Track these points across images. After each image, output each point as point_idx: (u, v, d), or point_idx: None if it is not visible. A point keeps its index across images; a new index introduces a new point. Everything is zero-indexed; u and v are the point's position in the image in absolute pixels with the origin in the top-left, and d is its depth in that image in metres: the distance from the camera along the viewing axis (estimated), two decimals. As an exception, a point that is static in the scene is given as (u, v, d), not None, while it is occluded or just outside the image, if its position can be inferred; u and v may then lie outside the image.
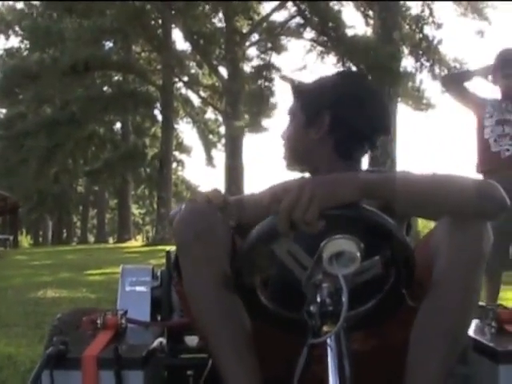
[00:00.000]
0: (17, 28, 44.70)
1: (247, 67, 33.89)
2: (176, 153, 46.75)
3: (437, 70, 29.54)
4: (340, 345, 1.66)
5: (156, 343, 2.10)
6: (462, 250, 1.79)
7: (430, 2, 28.53)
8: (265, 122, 33.68)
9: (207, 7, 32.45)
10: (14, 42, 65.82)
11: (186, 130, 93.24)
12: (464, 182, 1.83)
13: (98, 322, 2.20)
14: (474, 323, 2.30)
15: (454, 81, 5.56)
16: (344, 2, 29.76)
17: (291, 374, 1.74)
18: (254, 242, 1.76)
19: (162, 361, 2.04)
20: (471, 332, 2.18)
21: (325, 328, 1.67)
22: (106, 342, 2.06)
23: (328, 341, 1.67)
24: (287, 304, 1.90)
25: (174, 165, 45.47)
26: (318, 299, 1.70)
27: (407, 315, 1.89)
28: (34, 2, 40.24)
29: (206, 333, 1.90)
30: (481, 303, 2.41)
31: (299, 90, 2.37)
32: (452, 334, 1.80)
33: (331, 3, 28.90)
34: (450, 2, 29.41)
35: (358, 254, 1.66)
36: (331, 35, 28.03)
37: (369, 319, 1.91)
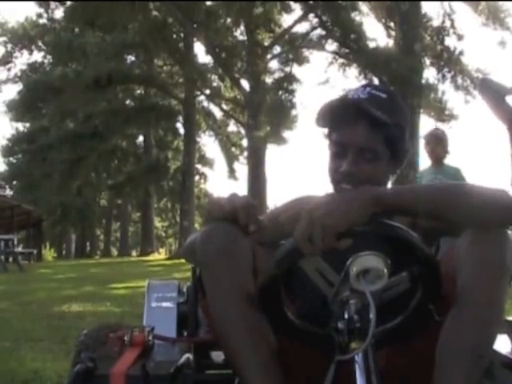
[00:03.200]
0: (40, 43, 45.09)
1: (269, 79, 33.94)
2: (198, 166, 46.84)
3: (459, 81, 29.49)
4: (368, 361, 1.66)
5: (183, 359, 2.10)
6: (485, 263, 1.77)
7: (451, 13, 28.46)
8: (286, 134, 33.73)
9: (229, 20, 32.51)
10: (37, 56, 66.26)
11: (208, 143, 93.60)
12: (474, 190, 1.84)
13: (126, 338, 2.20)
14: (502, 338, 2.27)
15: (491, 90, 5.53)
16: (365, 14, 29.71)
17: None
18: (282, 259, 1.77)
19: (189, 377, 2.03)
20: (498, 347, 2.15)
21: (352, 345, 1.67)
22: (133, 359, 2.05)
23: (356, 357, 1.66)
24: (314, 320, 1.90)
25: (197, 178, 45.54)
26: (346, 316, 1.70)
27: (434, 331, 1.88)
28: (57, 16, 40.53)
29: (230, 350, 1.88)
30: (509, 318, 2.39)
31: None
32: (477, 349, 1.77)
33: (352, 14, 28.86)
34: (472, 13, 29.31)
35: (385, 271, 1.66)
36: (353, 47, 28.02)
37: (396, 335, 1.90)
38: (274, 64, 34.15)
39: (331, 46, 30.64)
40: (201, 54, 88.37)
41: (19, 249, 26.59)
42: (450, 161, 7.16)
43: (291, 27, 32.34)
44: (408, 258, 1.76)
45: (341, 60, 30.73)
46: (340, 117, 2.03)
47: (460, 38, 28.98)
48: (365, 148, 2.03)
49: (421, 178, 7.19)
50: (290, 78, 32.85)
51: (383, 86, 2.19)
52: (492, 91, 5.43)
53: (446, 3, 28.38)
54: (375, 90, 2.10)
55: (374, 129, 2.01)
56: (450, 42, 29.04)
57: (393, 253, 1.72)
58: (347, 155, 2.03)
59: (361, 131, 2.01)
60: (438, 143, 7.01)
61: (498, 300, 1.81)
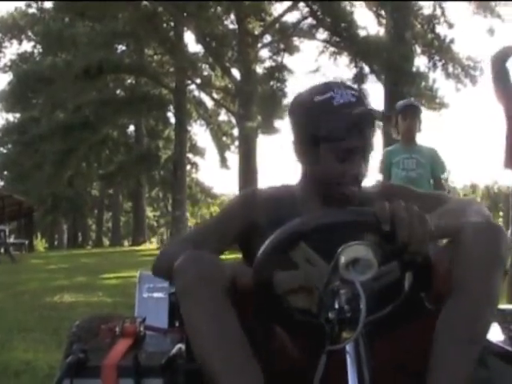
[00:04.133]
0: (29, 33, 44.89)
1: (260, 69, 33.93)
2: (190, 155, 46.69)
3: (450, 69, 29.52)
4: (359, 351, 1.67)
5: (175, 350, 2.10)
6: (480, 255, 1.83)
7: (441, 1, 28.48)
8: (277, 124, 33.71)
9: (219, 9, 32.43)
10: (27, 46, 65.98)
11: (199, 133, 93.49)
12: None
13: (117, 329, 2.20)
14: (494, 327, 2.28)
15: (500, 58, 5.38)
16: (356, 3, 29.70)
17: (310, 380, 1.74)
18: (270, 251, 1.77)
19: (181, 367, 2.03)
20: (491, 336, 2.16)
21: (343, 335, 1.67)
22: (125, 350, 2.06)
23: (347, 347, 1.67)
24: (304, 310, 1.90)
25: (188, 167, 45.42)
26: (337, 306, 1.70)
27: (425, 320, 1.91)
28: (47, 6, 40.37)
29: (208, 366, 1.85)
30: (501, 307, 2.40)
31: None
32: (472, 338, 1.80)
33: (343, 4, 28.85)
34: (462, 1, 29.31)
35: (375, 260, 1.67)
36: (344, 36, 28.06)
37: (388, 324, 1.91)
38: (264, 53, 34.17)
39: (322, 34, 30.71)
40: (191, 43, 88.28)
41: (11, 239, 26.48)
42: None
43: (281, 16, 32.29)
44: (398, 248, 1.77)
45: (332, 48, 30.78)
46: (346, 127, 2.04)
47: (451, 26, 29.06)
48: (369, 149, 2.13)
49: (388, 158, 6.39)
50: (281, 68, 32.84)
51: (347, 83, 2.14)
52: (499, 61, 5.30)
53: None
54: (352, 90, 2.15)
55: (372, 128, 2.11)
56: (441, 30, 29.13)
57: (382, 242, 1.73)
58: (353, 159, 2.08)
59: (367, 134, 2.09)
60: (416, 118, 6.25)
61: (492, 290, 1.85)
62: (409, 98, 6.29)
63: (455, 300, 1.84)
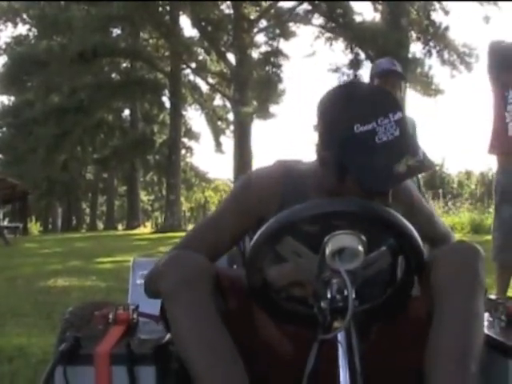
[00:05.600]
0: (24, 16, 44.69)
1: (255, 54, 33.86)
2: (185, 139, 46.59)
3: (445, 56, 29.49)
4: (350, 341, 1.67)
5: (168, 337, 2.11)
6: (460, 279, 1.89)
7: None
8: (273, 109, 33.69)
9: (215, -6, 32.38)
10: (22, 29, 65.70)
11: (194, 117, 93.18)
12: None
13: (110, 316, 2.21)
14: (485, 317, 2.30)
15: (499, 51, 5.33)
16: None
17: (302, 369, 1.76)
18: (258, 246, 1.78)
19: (173, 354, 2.05)
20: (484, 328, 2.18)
21: (335, 324, 1.68)
22: (117, 338, 2.07)
23: (338, 337, 1.68)
24: (299, 300, 1.92)
25: (183, 151, 45.29)
26: (329, 295, 1.71)
27: (416, 311, 1.96)
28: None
29: (193, 371, 1.84)
30: (491, 297, 2.42)
31: None
32: (465, 352, 1.82)
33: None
34: None
35: (361, 248, 1.68)
36: (339, 21, 28.02)
37: (382, 312, 1.93)
38: (260, 38, 34.06)
39: (318, 20, 30.62)
40: (187, 27, 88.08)
41: (5, 223, 26.51)
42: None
43: (277, 1, 32.22)
44: (385, 233, 1.80)
45: (327, 34, 30.71)
46: None
47: (446, 12, 29.00)
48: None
49: None
50: (277, 53, 32.78)
51: (390, 96, 1.94)
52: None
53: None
54: (396, 112, 1.93)
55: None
56: (437, 16, 29.08)
57: (369, 229, 1.75)
58: (382, 199, 1.98)
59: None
60: (397, 87, 5.41)
61: (475, 311, 1.88)
62: (391, 59, 5.53)
63: (440, 318, 1.87)
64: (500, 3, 26.81)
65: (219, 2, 33.10)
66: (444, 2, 28.64)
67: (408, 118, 5.71)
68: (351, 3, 28.61)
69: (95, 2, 31.72)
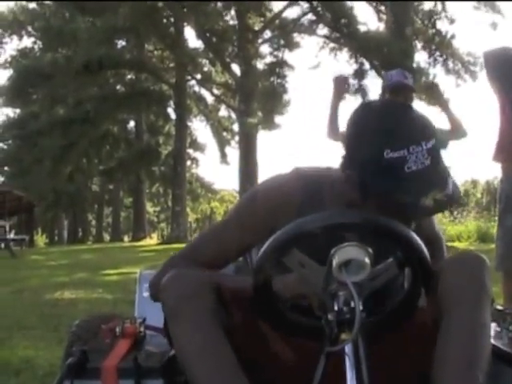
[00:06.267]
0: (30, 28, 44.82)
1: (260, 64, 33.88)
2: (190, 150, 46.64)
3: (450, 65, 29.49)
4: (358, 353, 1.67)
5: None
6: (465, 284, 1.88)
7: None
8: (278, 119, 33.73)
9: (219, 4, 32.38)
10: (27, 42, 65.90)
11: (199, 128, 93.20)
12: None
13: (117, 330, 2.21)
14: (492, 327, 2.29)
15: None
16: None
17: (309, 382, 1.75)
18: (265, 258, 1.78)
19: (180, 368, 2.04)
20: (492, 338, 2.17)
21: (342, 336, 1.68)
22: (125, 351, 2.07)
23: (346, 349, 1.67)
24: (306, 312, 1.91)
25: (188, 162, 45.38)
26: (336, 307, 1.71)
27: (423, 321, 1.97)
28: (46, 2, 40.23)
29: None
30: (499, 307, 2.41)
31: None
32: (471, 362, 1.80)
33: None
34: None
35: (367, 260, 1.68)
36: (344, 31, 28.01)
37: (389, 323, 1.92)
38: (265, 48, 34.11)
39: (322, 30, 30.65)
40: (191, 38, 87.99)
41: (11, 235, 26.51)
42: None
43: (282, 12, 32.27)
44: (392, 245, 1.80)
45: (332, 44, 30.75)
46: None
47: (451, 21, 29.00)
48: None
49: None
50: (282, 63, 32.82)
51: (426, 120, 1.88)
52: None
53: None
54: (429, 141, 1.87)
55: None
56: (442, 25, 29.07)
57: (376, 241, 1.75)
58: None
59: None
60: (408, 101, 5.32)
61: (483, 323, 1.87)
62: (402, 70, 5.47)
63: (447, 328, 1.86)
64: (504, 10, 26.83)
65: (224, 13, 33.13)
66: (450, 11, 28.66)
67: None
68: (355, 13, 28.63)
69: (100, 14, 31.74)
